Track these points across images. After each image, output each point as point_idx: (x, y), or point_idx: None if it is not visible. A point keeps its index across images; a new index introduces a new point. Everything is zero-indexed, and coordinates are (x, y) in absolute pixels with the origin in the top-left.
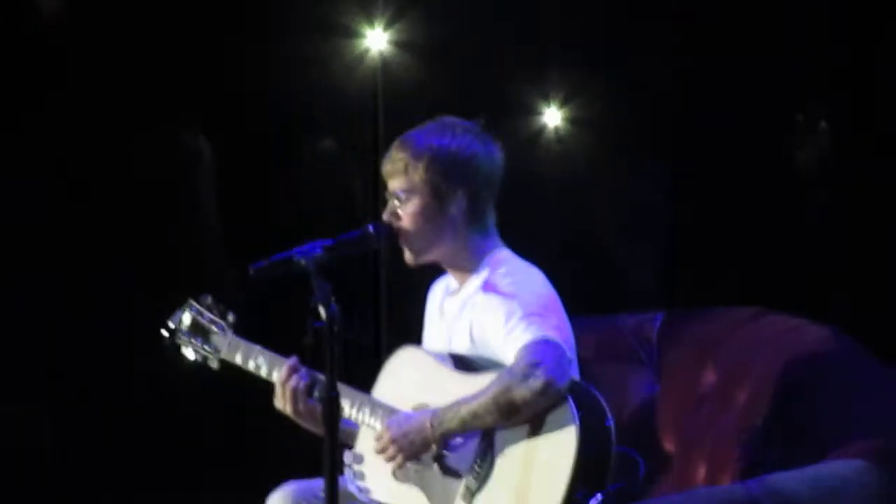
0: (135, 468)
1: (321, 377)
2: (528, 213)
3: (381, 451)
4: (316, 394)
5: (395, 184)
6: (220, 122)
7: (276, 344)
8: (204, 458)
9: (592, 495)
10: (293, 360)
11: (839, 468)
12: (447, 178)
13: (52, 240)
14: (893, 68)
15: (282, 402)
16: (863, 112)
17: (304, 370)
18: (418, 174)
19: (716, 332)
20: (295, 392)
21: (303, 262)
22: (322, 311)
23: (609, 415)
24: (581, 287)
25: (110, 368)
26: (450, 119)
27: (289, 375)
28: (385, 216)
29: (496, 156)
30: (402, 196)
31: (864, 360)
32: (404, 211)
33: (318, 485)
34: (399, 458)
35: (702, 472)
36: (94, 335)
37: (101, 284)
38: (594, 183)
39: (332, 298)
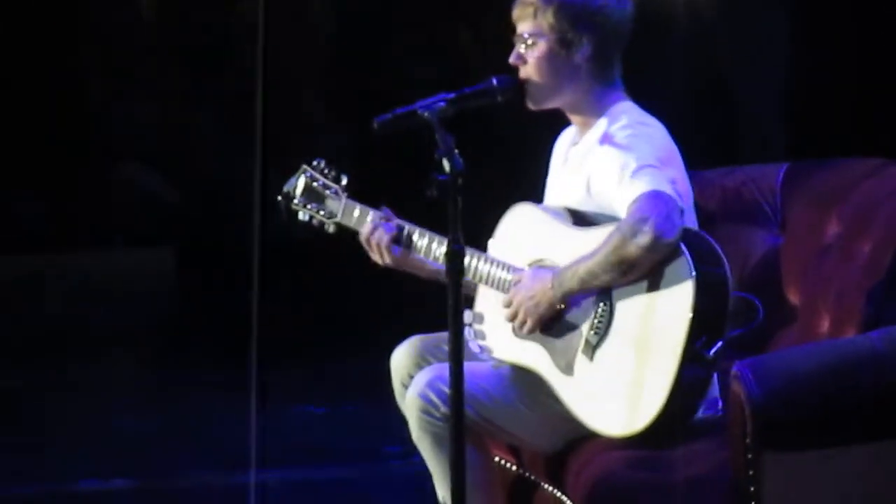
0: (257, 323)
1: (407, 226)
2: (654, 58)
3: (512, 318)
4: (410, 239)
5: (522, 27)
6: None
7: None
8: (330, 313)
9: (713, 343)
10: (381, 212)
11: None
12: (575, 25)
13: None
14: None
15: (373, 255)
16: None
17: (390, 223)
18: (546, 19)
19: (840, 183)
20: (379, 245)
21: (426, 114)
22: (446, 163)
23: (725, 262)
24: (707, 138)
25: (233, 225)
26: None
27: (373, 230)
28: (511, 59)
29: (627, 8)
30: (529, 40)
31: None
32: (529, 55)
33: (443, 338)
34: (529, 323)
35: (826, 324)
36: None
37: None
38: (722, 27)
39: (456, 151)
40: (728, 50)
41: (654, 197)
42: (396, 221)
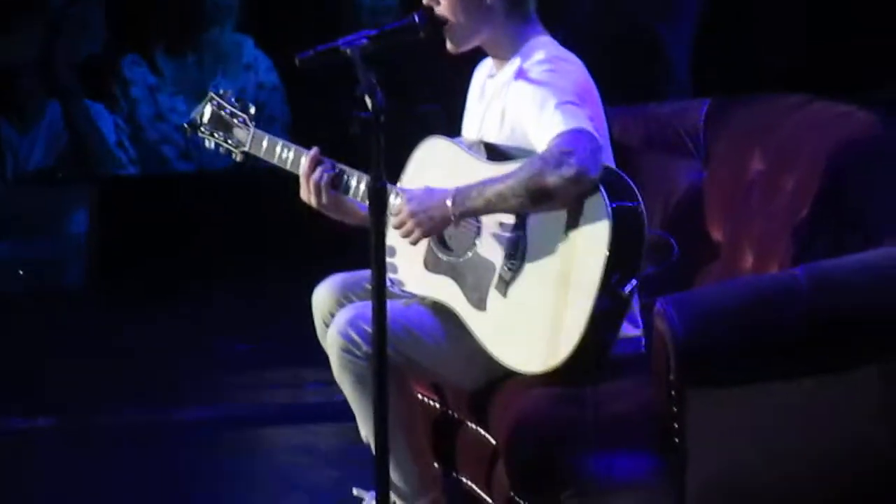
0: (178, 263)
1: (346, 169)
2: None
3: (399, 226)
4: (349, 183)
5: None
6: None
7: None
8: (250, 254)
9: (628, 280)
10: (314, 151)
11: (890, 254)
12: None
13: None
14: None
15: (306, 195)
16: None
17: (327, 162)
18: None
19: (762, 119)
20: (318, 185)
21: (348, 51)
22: (368, 100)
23: (641, 200)
24: (626, 75)
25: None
26: None
27: (312, 168)
28: (424, 1)
29: None
30: None
31: None
32: None
33: (363, 276)
34: (416, 233)
35: (749, 260)
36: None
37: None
38: None
39: (378, 88)
40: None
41: (578, 133)
42: (337, 165)
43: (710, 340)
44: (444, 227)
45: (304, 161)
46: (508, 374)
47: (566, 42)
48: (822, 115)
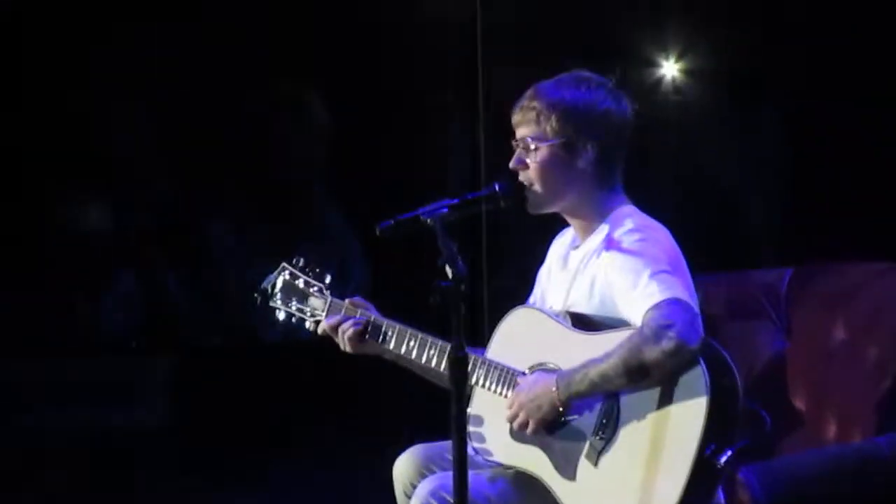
0: (259, 431)
1: (374, 318)
2: (645, 165)
3: (512, 419)
4: (369, 335)
5: (524, 131)
6: None
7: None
8: (329, 424)
9: (722, 452)
10: (340, 316)
11: None
12: (578, 130)
13: None
14: None
15: (342, 347)
16: None
17: (357, 317)
18: (550, 124)
19: (845, 287)
20: (344, 340)
21: (429, 221)
22: (449, 270)
23: (736, 372)
24: (707, 243)
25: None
26: (585, 73)
27: (335, 328)
28: (512, 164)
29: (628, 112)
30: (532, 145)
31: None
32: (532, 160)
33: (444, 447)
34: (532, 425)
35: (833, 429)
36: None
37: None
38: (713, 134)
39: (459, 258)
40: (723, 152)
41: (675, 304)
42: (369, 317)
43: None
44: (553, 414)
45: (324, 322)
46: None
47: (652, 210)
48: None
